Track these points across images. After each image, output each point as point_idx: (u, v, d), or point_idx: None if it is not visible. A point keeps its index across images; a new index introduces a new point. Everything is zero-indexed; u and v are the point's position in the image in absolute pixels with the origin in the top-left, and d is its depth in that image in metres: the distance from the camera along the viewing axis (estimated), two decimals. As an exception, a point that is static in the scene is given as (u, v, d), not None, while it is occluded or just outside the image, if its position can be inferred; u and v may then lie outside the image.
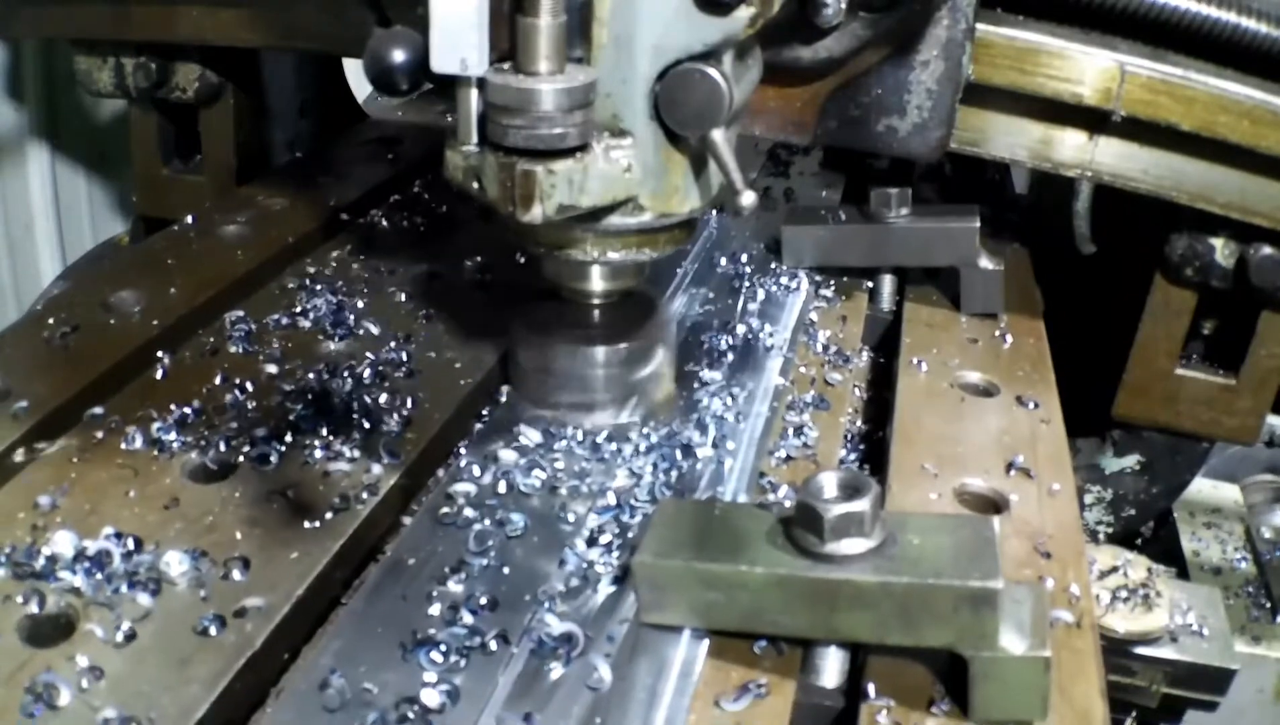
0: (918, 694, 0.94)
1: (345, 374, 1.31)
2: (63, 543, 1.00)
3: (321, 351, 1.38)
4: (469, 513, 1.12)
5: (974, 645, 0.90)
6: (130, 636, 0.92)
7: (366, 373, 1.31)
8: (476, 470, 1.18)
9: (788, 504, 1.18)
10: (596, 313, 1.30)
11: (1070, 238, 1.89)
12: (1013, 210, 2.16)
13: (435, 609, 0.99)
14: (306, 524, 1.06)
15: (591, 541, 1.09)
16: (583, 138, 1.00)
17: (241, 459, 1.15)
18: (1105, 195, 1.73)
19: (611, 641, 0.97)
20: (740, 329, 1.49)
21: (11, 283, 2.47)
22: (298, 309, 1.46)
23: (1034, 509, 1.21)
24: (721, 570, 0.95)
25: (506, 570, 1.05)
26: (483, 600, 1.00)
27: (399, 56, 0.95)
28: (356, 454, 1.17)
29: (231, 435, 1.18)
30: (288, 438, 1.18)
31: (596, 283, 1.27)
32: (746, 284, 1.64)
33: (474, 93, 0.99)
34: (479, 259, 1.63)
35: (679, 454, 1.22)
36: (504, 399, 1.33)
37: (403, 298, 1.53)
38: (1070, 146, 1.58)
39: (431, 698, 0.89)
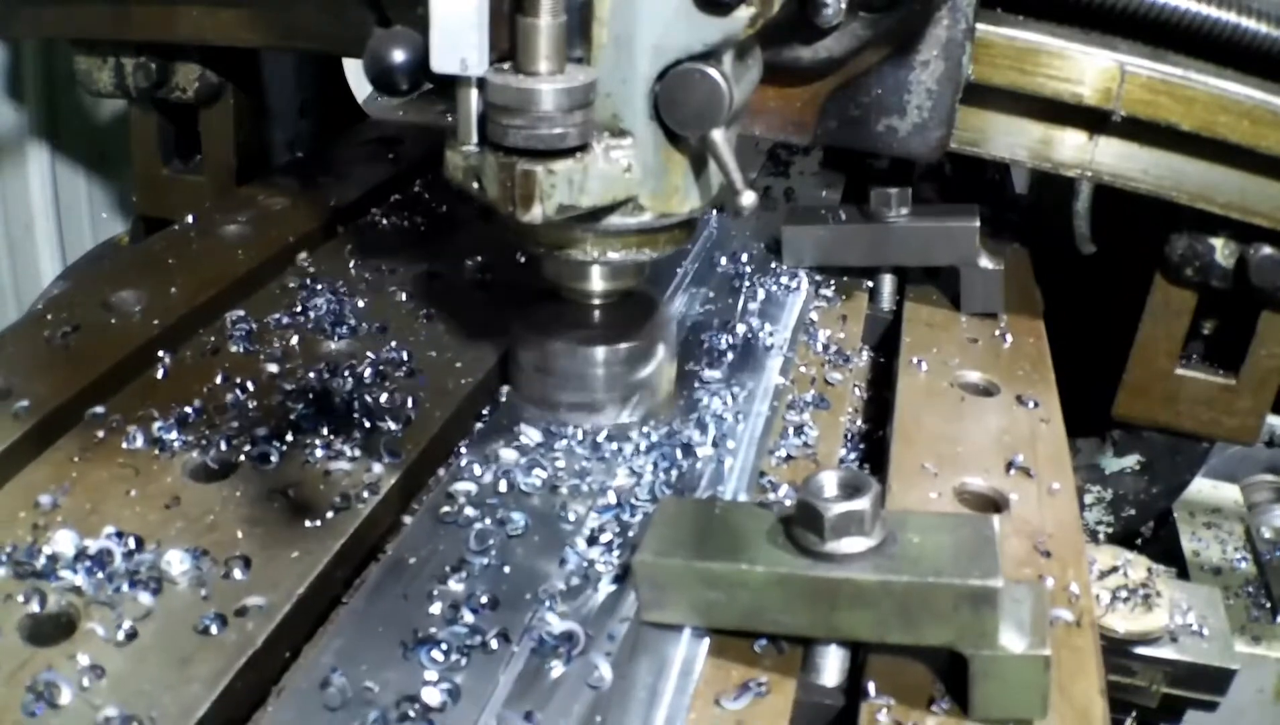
0: (918, 692, 0.94)
1: (346, 373, 1.31)
2: (64, 542, 1.00)
3: (322, 351, 1.38)
4: (470, 512, 1.12)
5: (974, 644, 0.90)
6: (131, 635, 0.92)
7: (367, 372, 1.31)
8: (477, 469, 1.18)
9: (788, 503, 1.18)
10: (596, 313, 1.30)
11: (1070, 238, 1.89)
12: (1013, 210, 2.16)
13: (436, 608, 0.99)
14: (307, 523, 1.06)
15: (592, 540, 1.09)
16: (583, 138, 1.00)
17: (242, 458, 1.15)
18: (1105, 195, 1.73)
19: (612, 640, 0.97)
20: (740, 328, 1.49)
21: (11, 283, 2.47)
22: (298, 308, 1.46)
23: (1034, 508, 1.21)
24: (722, 569, 0.95)
25: (507, 569, 1.05)
26: (483, 599, 1.00)
27: (399, 56, 0.95)
28: (357, 453, 1.17)
29: (232, 434, 1.18)
30: (288, 437, 1.18)
31: (596, 283, 1.27)
32: (747, 283, 1.64)
33: (474, 93, 0.99)
34: (479, 259, 1.63)
35: (679, 453, 1.22)
36: (504, 399, 1.33)
37: (403, 297, 1.53)
38: (1070, 146, 1.58)
39: (432, 696, 0.89)
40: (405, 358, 1.35)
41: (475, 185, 1.03)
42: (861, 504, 0.92)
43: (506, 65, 0.99)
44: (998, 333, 1.61)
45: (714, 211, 1.83)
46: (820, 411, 1.39)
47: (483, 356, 1.38)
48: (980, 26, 1.47)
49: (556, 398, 1.29)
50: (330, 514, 1.08)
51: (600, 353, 1.27)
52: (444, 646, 0.94)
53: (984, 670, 0.90)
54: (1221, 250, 1.62)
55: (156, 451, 1.16)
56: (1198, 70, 1.48)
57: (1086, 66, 1.49)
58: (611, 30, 1.03)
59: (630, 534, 1.10)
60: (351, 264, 1.62)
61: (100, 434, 1.19)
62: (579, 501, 1.15)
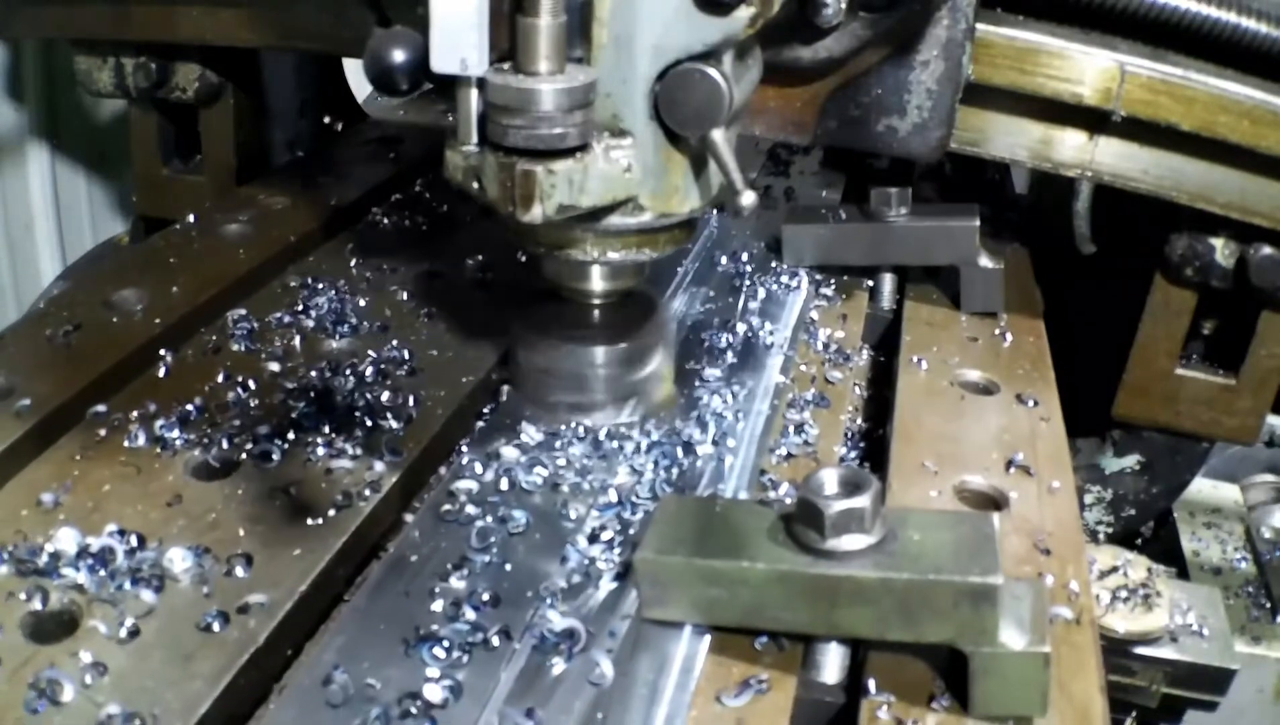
0: (918, 689, 0.94)
1: (347, 372, 1.31)
2: (66, 540, 1.00)
3: (323, 350, 1.38)
4: (471, 510, 1.12)
5: (974, 641, 0.90)
6: (134, 633, 0.92)
7: (368, 371, 1.32)
8: (478, 467, 1.18)
9: (788, 501, 1.18)
10: (596, 313, 1.30)
11: (1070, 238, 1.89)
12: (1013, 210, 2.16)
13: (438, 605, 0.99)
14: (309, 521, 1.07)
15: (593, 538, 1.09)
16: (583, 138, 1.01)
17: (244, 456, 1.16)
18: (1105, 195, 1.73)
19: (613, 637, 0.97)
20: (741, 327, 1.50)
21: (11, 283, 2.47)
22: (300, 307, 1.46)
23: (1034, 506, 1.21)
24: (723, 566, 0.95)
25: (508, 567, 1.05)
26: (485, 596, 1.00)
27: (399, 56, 0.95)
28: (358, 452, 1.17)
29: (234, 433, 1.19)
30: (290, 435, 1.18)
31: (596, 283, 1.27)
32: (747, 283, 1.64)
33: (474, 93, 0.99)
34: (480, 258, 1.64)
35: (680, 451, 1.22)
36: (505, 397, 1.33)
37: (404, 296, 1.53)
38: (1070, 146, 1.58)
39: (434, 693, 0.89)
40: (406, 356, 1.36)
41: (475, 185, 1.03)
42: (862, 501, 0.93)
43: (506, 65, 0.99)
44: (998, 332, 1.62)
45: (714, 211, 1.84)
46: (820, 410, 1.39)
47: (483, 355, 1.38)
48: (980, 26, 1.47)
49: (556, 398, 1.29)
50: (332, 512, 1.08)
51: (600, 353, 1.27)
52: (446, 644, 0.94)
53: (984, 667, 0.90)
54: (1221, 250, 1.62)
55: (158, 450, 1.16)
56: (1198, 70, 1.48)
57: (1086, 66, 1.49)
58: (611, 30, 1.03)
59: (631, 532, 1.10)
60: (352, 263, 1.63)
61: (102, 432, 1.19)
62: (580, 499, 1.15)
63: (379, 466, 1.15)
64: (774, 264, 1.70)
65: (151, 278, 1.48)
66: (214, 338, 1.40)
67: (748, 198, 1.08)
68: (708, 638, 0.98)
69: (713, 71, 1.04)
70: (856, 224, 1.70)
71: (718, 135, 1.07)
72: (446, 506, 1.12)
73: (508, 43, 0.98)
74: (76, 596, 0.96)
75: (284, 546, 1.03)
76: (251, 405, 1.25)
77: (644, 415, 1.29)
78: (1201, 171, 1.55)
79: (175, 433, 1.18)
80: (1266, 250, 1.58)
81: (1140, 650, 1.37)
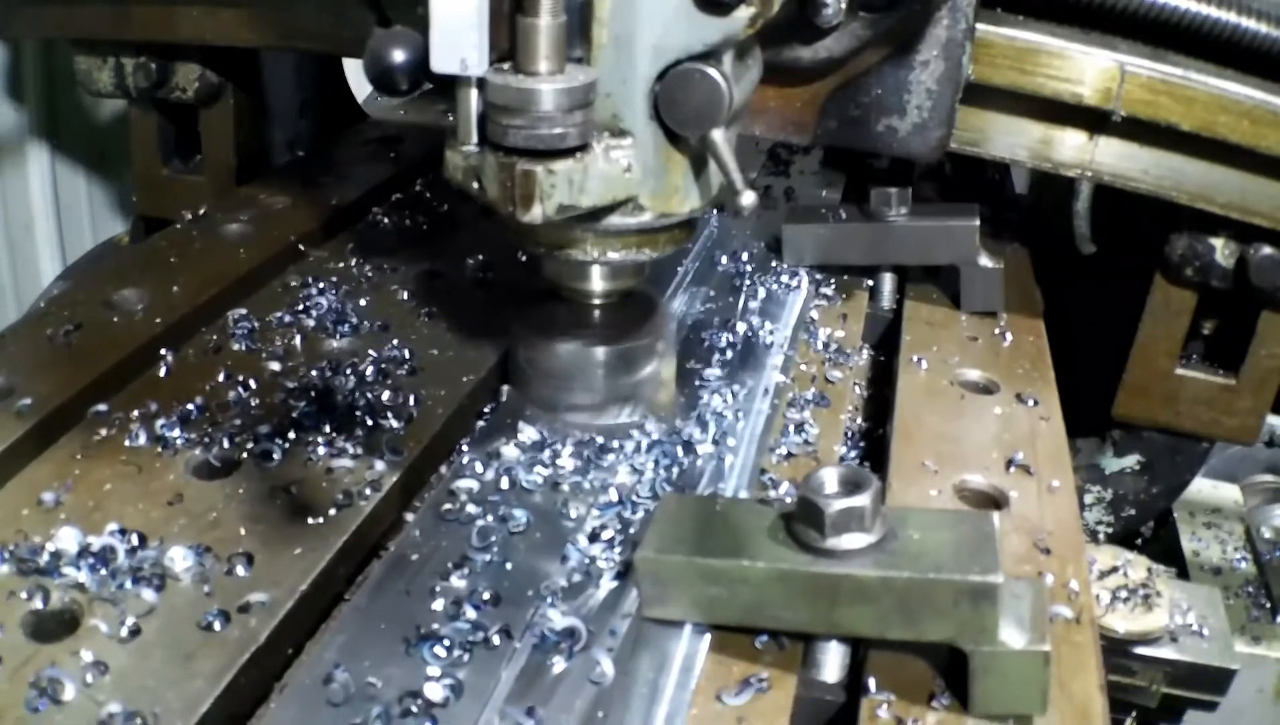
0: (918, 688, 0.95)
1: (347, 371, 1.31)
2: (67, 539, 1.01)
3: (324, 349, 1.38)
4: (471, 509, 1.12)
5: (974, 639, 0.90)
6: (135, 632, 0.92)
7: (369, 370, 1.32)
8: (479, 467, 1.18)
9: (789, 500, 1.18)
10: (596, 313, 1.30)
11: (1070, 238, 1.89)
12: (1013, 210, 2.16)
13: (438, 604, 0.99)
14: (310, 520, 1.07)
15: (593, 537, 1.09)
16: (583, 138, 1.01)
17: (245, 456, 1.16)
18: (1105, 195, 1.73)
19: (614, 636, 0.97)
20: (741, 327, 1.50)
21: (11, 283, 2.47)
22: (300, 307, 1.47)
23: (1033, 505, 1.21)
24: (723, 565, 0.96)
25: (509, 566, 1.05)
26: (485, 595, 1.00)
27: (399, 56, 0.95)
28: (359, 451, 1.17)
29: (235, 432, 1.19)
30: (291, 435, 1.19)
31: (596, 283, 1.27)
32: (747, 282, 1.65)
33: (474, 93, 0.99)
34: (480, 258, 1.64)
35: (680, 451, 1.22)
36: (505, 397, 1.33)
37: (405, 296, 1.53)
38: (1070, 146, 1.58)
39: (435, 692, 0.89)
40: (407, 356, 1.36)
41: (475, 185, 1.03)
42: (862, 500, 0.93)
43: (506, 65, 0.99)
44: (997, 331, 1.62)
45: (714, 211, 1.84)
46: (821, 409, 1.39)
47: (484, 355, 1.38)
48: (980, 26, 1.47)
49: (556, 398, 1.29)
50: (332, 511, 1.08)
51: (600, 353, 1.27)
52: (446, 643, 0.94)
53: (984, 666, 0.90)
54: (1221, 250, 1.62)
55: (159, 449, 1.16)
56: (1198, 70, 1.48)
57: (1086, 66, 1.49)
58: (611, 30, 1.03)
59: (631, 531, 1.10)
60: (353, 262, 1.63)
61: (103, 432, 1.19)
62: (580, 499, 1.15)
63: (379, 466, 1.15)
64: (774, 264, 1.71)
65: (152, 277, 1.48)
66: (214, 337, 1.40)
67: (748, 198, 1.08)
68: (708, 636, 0.99)
69: (713, 71, 1.04)
70: (856, 224, 1.70)
71: (718, 135, 1.07)
72: (447, 505, 1.13)
73: (508, 43, 0.98)
74: (77, 595, 0.96)
75: (285, 545, 1.03)
76: (252, 404, 1.25)
77: (644, 415, 1.29)
78: (1201, 171, 1.55)
79: (176, 432, 1.18)
80: (1266, 250, 1.58)
81: (1140, 650, 1.37)
